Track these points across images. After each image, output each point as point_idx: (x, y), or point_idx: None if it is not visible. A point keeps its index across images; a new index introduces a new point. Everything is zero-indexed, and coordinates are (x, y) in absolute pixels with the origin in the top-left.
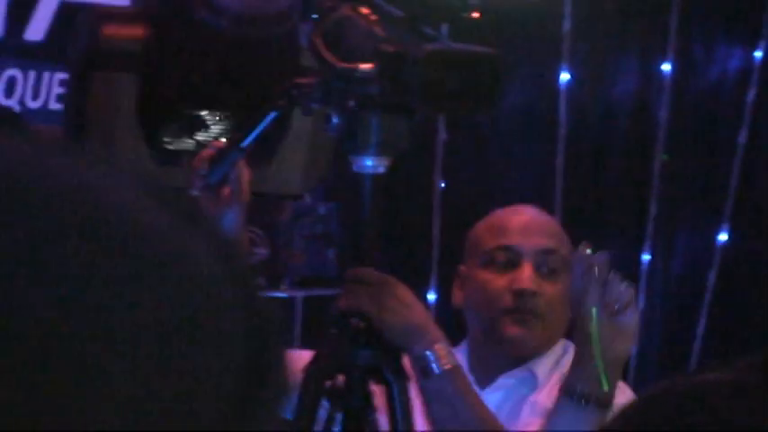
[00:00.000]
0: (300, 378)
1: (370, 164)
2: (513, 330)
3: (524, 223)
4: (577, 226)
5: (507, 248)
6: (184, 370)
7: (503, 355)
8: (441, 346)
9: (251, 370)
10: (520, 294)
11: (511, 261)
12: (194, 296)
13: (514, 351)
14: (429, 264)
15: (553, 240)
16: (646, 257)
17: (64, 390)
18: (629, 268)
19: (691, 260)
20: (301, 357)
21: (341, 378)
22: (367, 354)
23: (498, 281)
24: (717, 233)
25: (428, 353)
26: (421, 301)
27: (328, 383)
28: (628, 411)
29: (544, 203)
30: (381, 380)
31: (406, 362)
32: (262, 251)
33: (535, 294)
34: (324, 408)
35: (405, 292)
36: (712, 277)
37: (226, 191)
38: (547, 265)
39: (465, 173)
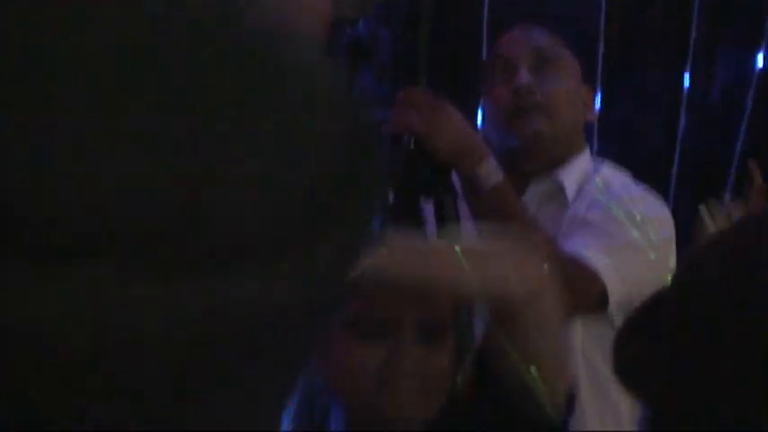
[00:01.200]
0: None
1: None
2: (518, 127)
3: (513, 35)
4: (622, 50)
5: (499, 57)
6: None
7: (526, 160)
8: (488, 163)
9: (355, 153)
10: (516, 92)
11: (508, 69)
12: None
13: (530, 147)
14: (477, 87)
15: (543, 39)
16: (687, 82)
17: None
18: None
19: (729, 85)
20: None
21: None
22: (417, 171)
23: (502, 89)
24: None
25: (477, 170)
26: (469, 120)
27: None
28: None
29: (587, 27)
30: (431, 196)
31: (455, 178)
32: None
33: (530, 88)
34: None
35: (453, 113)
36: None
37: None
38: (541, 61)
39: None
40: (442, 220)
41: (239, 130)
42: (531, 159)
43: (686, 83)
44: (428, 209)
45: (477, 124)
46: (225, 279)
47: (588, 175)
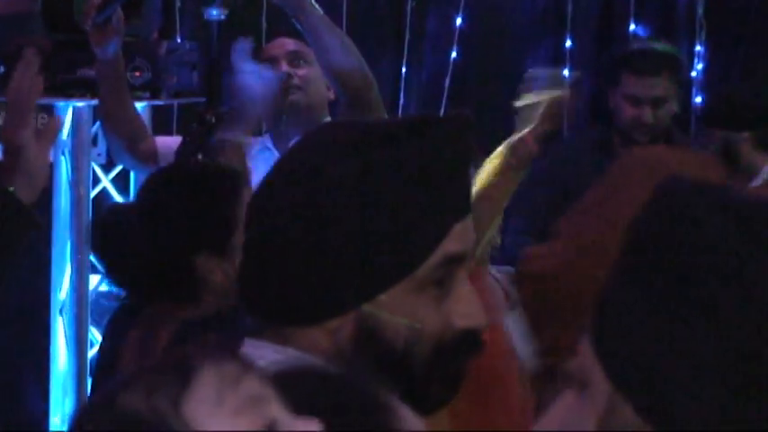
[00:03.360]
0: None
1: (215, 13)
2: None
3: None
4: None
5: (267, 59)
6: None
7: (294, 125)
8: None
9: None
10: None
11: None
12: None
13: (296, 116)
14: None
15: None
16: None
17: None
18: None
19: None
20: (173, 142)
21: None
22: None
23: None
24: None
25: None
26: None
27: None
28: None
29: None
30: None
31: None
32: (147, 75)
33: (290, 75)
34: None
35: None
36: None
37: (110, 28)
38: (297, 59)
39: None
40: None
41: None
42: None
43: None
44: None
45: None
46: None
47: None
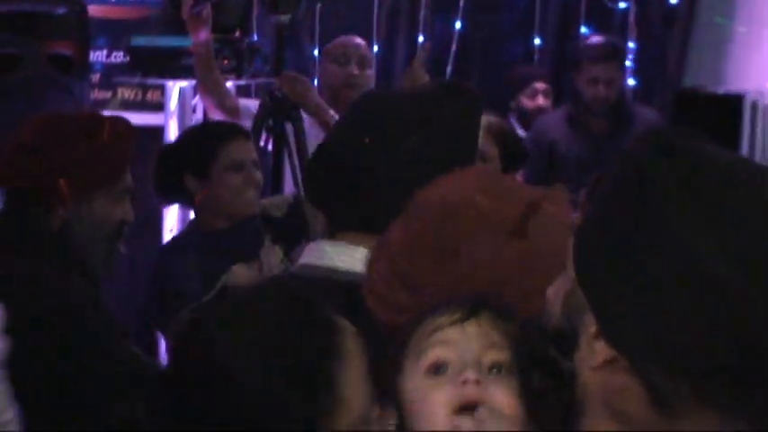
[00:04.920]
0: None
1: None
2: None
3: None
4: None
5: (340, 54)
6: None
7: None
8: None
9: None
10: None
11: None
12: None
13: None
14: None
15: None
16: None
17: None
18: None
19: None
20: (251, 102)
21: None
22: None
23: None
24: None
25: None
26: None
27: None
28: None
29: None
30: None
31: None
32: (233, 63)
33: (356, 76)
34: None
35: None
36: None
37: (201, 18)
38: (363, 62)
39: None
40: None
41: None
42: None
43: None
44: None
45: None
46: None
47: None
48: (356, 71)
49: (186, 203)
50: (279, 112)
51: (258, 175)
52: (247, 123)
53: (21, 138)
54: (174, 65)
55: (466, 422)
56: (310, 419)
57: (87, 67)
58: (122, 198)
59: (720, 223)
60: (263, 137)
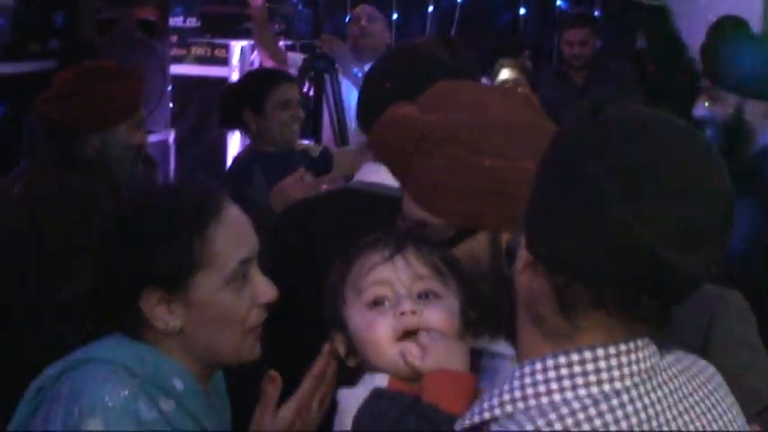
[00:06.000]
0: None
1: None
2: None
3: None
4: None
5: (355, 15)
6: None
7: (366, 56)
8: None
9: None
10: None
11: (356, 19)
12: None
13: (367, 51)
14: None
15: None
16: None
17: None
18: None
19: None
20: (297, 55)
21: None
22: None
23: None
24: None
25: None
26: None
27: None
28: None
29: None
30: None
31: None
32: (282, 26)
33: (366, 28)
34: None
35: None
36: None
37: None
38: (371, 18)
39: None
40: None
41: None
42: None
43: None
44: None
45: None
46: None
47: None
48: (365, 23)
49: (244, 132)
50: (319, 65)
51: (301, 113)
52: (293, 71)
53: (62, 83)
54: (236, 28)
55: (409, 346)
56: (188, 264)
57: (167, 29)
58: (139, 127)
59: (618, 168)
60: (306, 85)
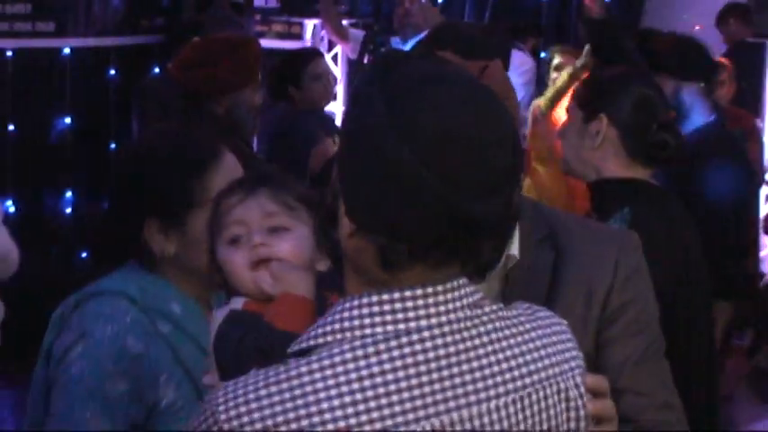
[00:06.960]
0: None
1: None
2: None
3: None
4: None
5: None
6: None
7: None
8: None
9: None
10: None
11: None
12: None
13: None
14: None
15: None
16: None
17: None
18: None
19: None
20: (358, 32)
21: None
22: None
23: None
24: None
25: None
26: None
27: None
28: None
29: None
30: None
31: None
32: (346, 8)
33: (409, 9)
34: None
35: None
36: None
37: None
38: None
39: None
40: None
41: None
42: None
43: None
44: None
45: None
46: None
47: None
48: (408, 4)
49: (288, 103)
50: (377, 41)
51: (332, 79)
52: (356, 46)
53: (196, 52)
54: (309, 8)
55: (262, 274)
56: (185, 201)
57: (252, 9)
58: (258, 90)
59: (414, 135)
60: (367, 57)
